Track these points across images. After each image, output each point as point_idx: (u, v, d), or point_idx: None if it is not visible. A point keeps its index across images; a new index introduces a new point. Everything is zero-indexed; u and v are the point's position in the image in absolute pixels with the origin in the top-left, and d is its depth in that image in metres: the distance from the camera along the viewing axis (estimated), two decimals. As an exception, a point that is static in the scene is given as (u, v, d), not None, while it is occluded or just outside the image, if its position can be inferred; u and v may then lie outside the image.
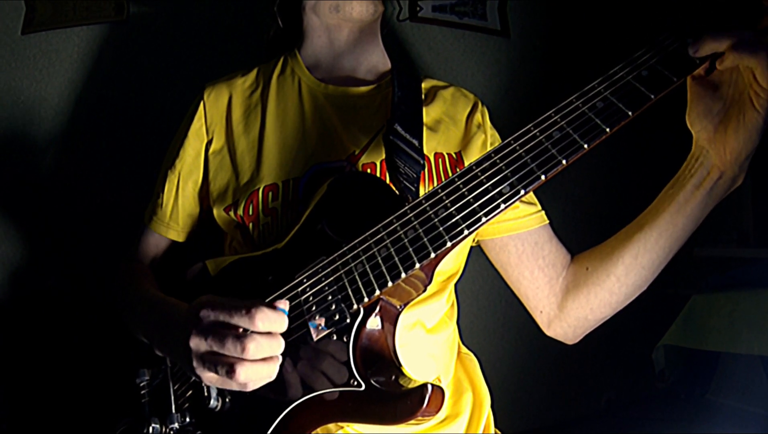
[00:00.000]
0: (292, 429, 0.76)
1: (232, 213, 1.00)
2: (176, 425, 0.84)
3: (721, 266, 2.24)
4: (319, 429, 0.78)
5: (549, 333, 1.08)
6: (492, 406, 1.08)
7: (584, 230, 1.27)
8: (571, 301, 1.02)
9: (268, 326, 0.69)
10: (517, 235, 1.06)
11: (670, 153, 1.04)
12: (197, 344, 0.71)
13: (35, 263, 1.40)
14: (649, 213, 0.90)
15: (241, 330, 0.70)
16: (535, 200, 1.09)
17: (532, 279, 1.06)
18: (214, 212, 1.04)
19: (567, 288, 1.03)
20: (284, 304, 0.73)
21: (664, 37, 0.72)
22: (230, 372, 0.68)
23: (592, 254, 1.00)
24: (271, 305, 0.71)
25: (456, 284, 1.10)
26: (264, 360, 0.69)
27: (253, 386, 0.70)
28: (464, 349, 1.15)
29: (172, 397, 0.88)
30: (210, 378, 0.72)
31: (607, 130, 0.70)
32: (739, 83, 0.76)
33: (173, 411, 0.86)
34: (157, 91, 1.48)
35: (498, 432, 1.10)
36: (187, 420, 0.85)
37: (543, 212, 1.08)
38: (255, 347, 0.67)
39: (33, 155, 1.40)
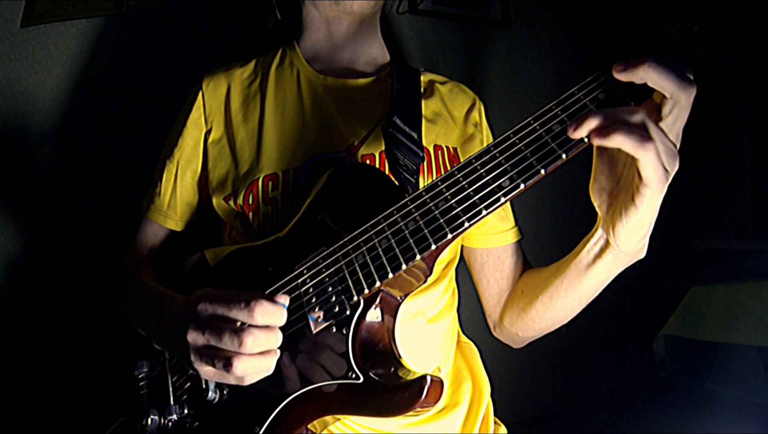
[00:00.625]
0: (289, 421, 0.76)
1: (231, 202, 1.00)
2: (174, 417, 0.85)
3: (719, 258, 2.24)
4: (315, 422, 0.78)
5: (495, 335, 1.14)
6: (492, 395, 1.08)
7: (584, 225, 1.27)
8: (506, 316, 1.08)
9: (267, 319, 0.69)
10: (485, 249, 1.10)
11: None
12: (195, 338, 0.71)
13: (33, 255, 1.40)
14: (562, 264, 0.90)
15: (239, 323, 0.70)
16: (511, 216, 1.12)
17: (487, 286, 1.11)
18: (214, 201, 1.03)
19: (506, 303, 1.08)
20: (284, 299, 0.72)
21: (668, 27, 0.70)
22: (227, 365, 0.68)
23: (529, 277, 1.05)
24: (271, 299, 0.70)
25: (456, 272, 1.11)
26: (261, 353, 0.69)
27: (250, 380, 0.70)
28: (464, 338, 1.16)
29: (171, 389, 0.88)
30: (207, 371, 0.72)
31: None
32: (632, 166, 0.68)
33: (171, 402, 0.86)
34: (155, 83, 1.47)
35: (497, 421, 1.10)
36: (185, 412, 0.85)
37: (516, 229, 1.11)
38: (252, 341, 0.67)
39: (31, 148, 1.40)
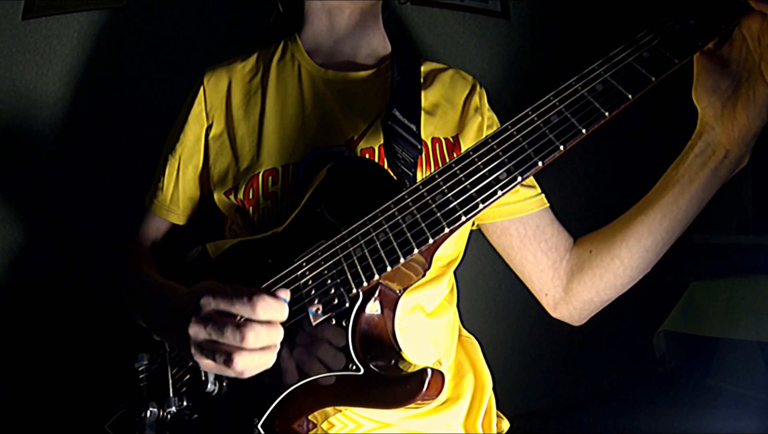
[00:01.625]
0: (289, 412, 0.77)
1: (232, 197, 1.00)
2: (173, 409, 0.85)
3: (720, 253, 2.24)
4: (316, 412, 0.78)
5: (555, 315, 1.07)
6: (494, 389, 1.08)
7: (585, 215, 1.27)
8: (576, 284, 1.01)
9: (269, 314, 0.69)
10: (518, 218, 1.05)
11: (670, 136, 1.03)
12: (196, 331, 0.71)
13: (35, 249, 1.41)
14: (652, 195, 0.88)
15: (241, 318, 0.70)
16: (535, 183, 1.08)
17: (535, 262, 1.05)
18: (215, 196, 1.04)
19: (572, 271, 1.02)
20: (285, 293, 0.73)
21: (666, 18, 0.71)
22: (228, 360, 0.68)
23: (595, 237, 0.99)
24: (273, 294, 0.71)
25: (455, 269, 1.10)
26: (262, 349, 0.70)
27: (249, 374, 0.71)
28: (465, 332, 1.15)
29: (170, 381, 0.88)
30: (207, 364, 0.72)
31: (606, 114, 0.68)
32: (749, 60, 0.74)
33: (171, 394, 0.86)
34: (157, 76, 1.47)
35: (500, 414, 1.10)
36: (185, 403, 0.85)
37: (543, 196, 1.07)
38: (254, 336, 0.68)
39: (33, 142, 1.40)
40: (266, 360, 0.71)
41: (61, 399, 1.35)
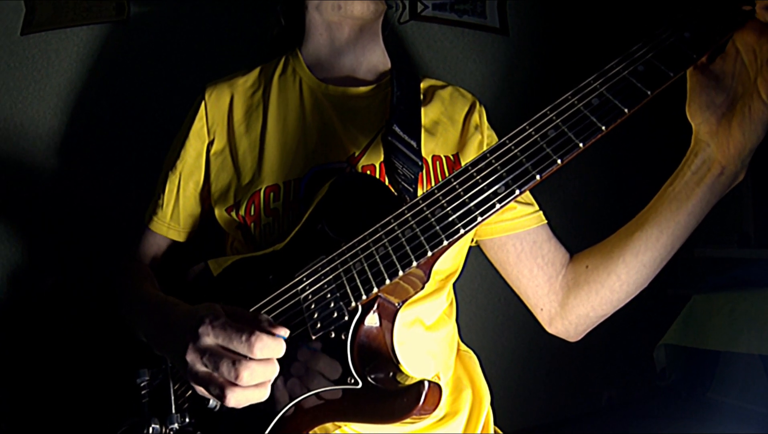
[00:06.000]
0: (289, 428, 0.77)
1: (233, 214, 1.00)
2: (176, 425, 0.84)
3: (721, 266, 2.23)
4: (317, 429, 0.78)
5: (551, 330, 1.08)
6: (492, 404, 1.08)
7: (582, 230, 1.27)
8: (572, 299, 1.01)
9: (267, 353, 0.69)
10: (516, 234, 1.06)
11: (668, 151, 1.03)
12: (193, 360, 0.71)
13: (35, 264, 1.40)
14: (649, 211, 0.88)
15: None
16: (533, 200, 1.09)
17: (531, 277, 1.06)
18: (216, 212, 1.04)
19: (567, 286, 1.02)
20: (284, 331, 0.72)
21: (660, 31, 0.71)
22: (221, 395, 0.68)
23: (592, 252, 1.00)
24: (271, 332, 0.70)
25: (455, 283, 1.10)
26: (256, 385, 0.70)
27: (242, 406, 0.70)
28: (463, 347, 1.15)
29: (172, 397, 0.88)
30: (202, 391, 0.73)
31: (603, 128, 0.69)
32: (743, 75, 0.73)
33: (173, 411, 0.86)
34: (157, 91, 1.48)
35: (497, 429, 1.10)
36: (187, 420, 0.85)
37: (541, 212, 1.08)
38: (249, 374, 0.68)
39: (32, 156, 1.40)
40: (259, 396, 0.71)
41: (61, 416, 1.34)
